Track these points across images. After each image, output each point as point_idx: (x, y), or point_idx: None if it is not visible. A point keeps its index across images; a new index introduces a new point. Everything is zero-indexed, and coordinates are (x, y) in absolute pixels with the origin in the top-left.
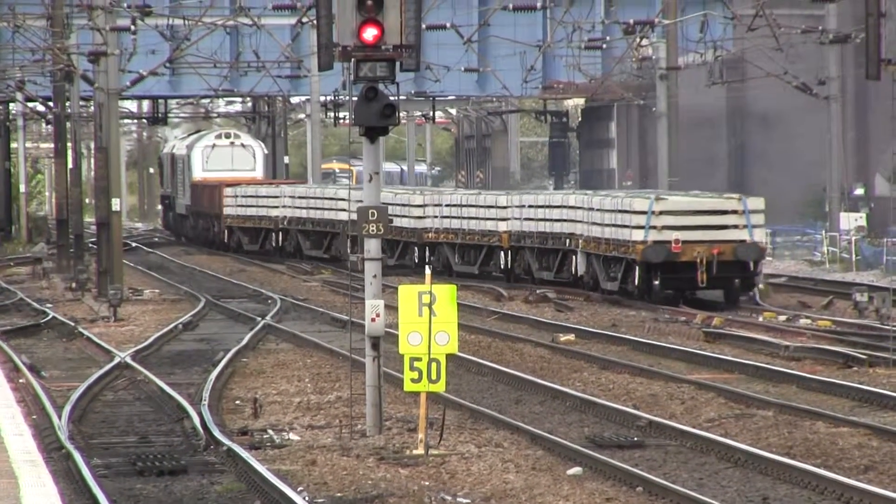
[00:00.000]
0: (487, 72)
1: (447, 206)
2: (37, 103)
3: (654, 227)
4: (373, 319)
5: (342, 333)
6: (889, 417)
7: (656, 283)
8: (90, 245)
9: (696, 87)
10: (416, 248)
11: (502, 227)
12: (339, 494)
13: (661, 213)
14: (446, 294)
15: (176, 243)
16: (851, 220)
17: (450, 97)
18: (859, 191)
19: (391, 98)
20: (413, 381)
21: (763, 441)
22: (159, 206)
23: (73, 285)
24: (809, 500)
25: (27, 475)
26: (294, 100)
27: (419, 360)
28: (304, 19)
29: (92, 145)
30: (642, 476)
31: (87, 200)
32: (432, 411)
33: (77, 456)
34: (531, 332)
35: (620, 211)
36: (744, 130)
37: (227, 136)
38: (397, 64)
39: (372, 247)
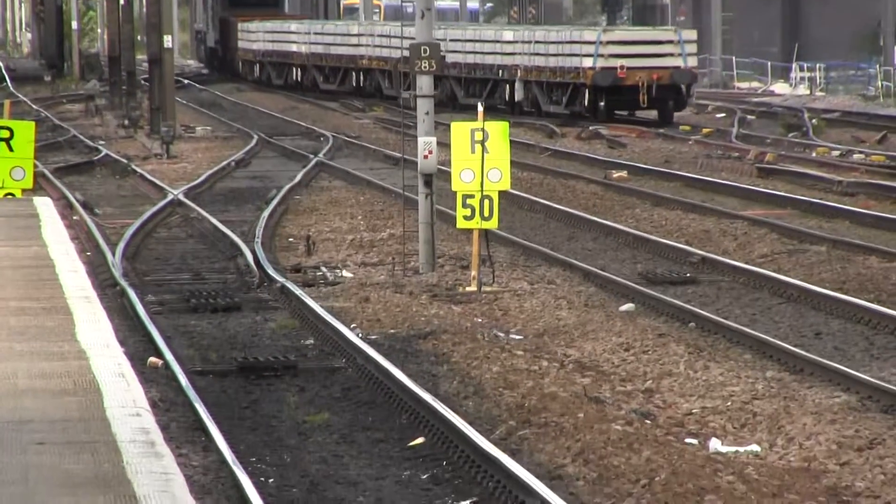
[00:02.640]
0: None
1: (378, 36)
2: None
3: (602, 56)
4: (425, 156)
5: (395, 171)
6: None
7: (601, 104)
8: (142, 82)
9: None
10: (353, 74)
11: None
12: (392, 331)
13: (607, 42)
14: (499, 131)
15: (228, 80)
16: None
17: None
18: None
19: None
20: (466, 218)
21: (816, 276)
22: None
23: (126, 122)
24: (862, 334)
25: (82, 311)
26: None
27: (472, 196)
28: None
29: None
30: (695, 312)
31: (138, 37)
32: (485, 248)
33: (131, 293)
34: (584, 168)
35: (569, 42)
36: None
37: None
38: None
39: (424, 83)
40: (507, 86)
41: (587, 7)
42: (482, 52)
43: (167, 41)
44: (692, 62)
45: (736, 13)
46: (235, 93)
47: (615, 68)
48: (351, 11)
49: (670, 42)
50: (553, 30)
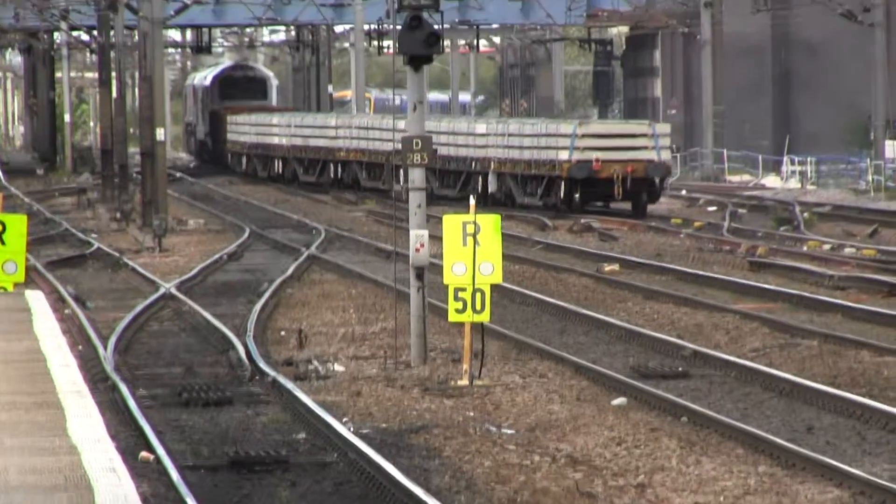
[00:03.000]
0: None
1: (357, 128)
2: (81, 32)
3: (578, 149)
4: (417, 250)
5: (387, 264)
6: None
7: (577, 195)
8: (135, 175)
9: (740, 14)
10: (331, 166)
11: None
12: (384, 425)
13: (583, 135)
14: (490, 224)
15: (219, 173)
16: None
17: (494, 26)
18: None
19: (435, 27)
20: (457, 311)
21: (808, 371)
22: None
23: (118, 216)
24: (854, 429)
25: (73, 406)
26: (338, 28)
27: (464, 290)
28: None
29: (136, 75)
30: (687, 406)
31: (131, 130)
32: (476, 342)
33: (122, 387)
34: (575, 262)
35: (546, 135)
36: (788, 58)
37: (241, 68)
38: None
39: (416, 177)
40: (481, 178)
41: (579, 100)
42: (455, 145)
43: (160, 134)
44: (665, 155)
45: (727, 106)
46: (227, 185)
47: (590, 161)
48: (342, 104)
49: (644, 135)
50: (528, 123)
